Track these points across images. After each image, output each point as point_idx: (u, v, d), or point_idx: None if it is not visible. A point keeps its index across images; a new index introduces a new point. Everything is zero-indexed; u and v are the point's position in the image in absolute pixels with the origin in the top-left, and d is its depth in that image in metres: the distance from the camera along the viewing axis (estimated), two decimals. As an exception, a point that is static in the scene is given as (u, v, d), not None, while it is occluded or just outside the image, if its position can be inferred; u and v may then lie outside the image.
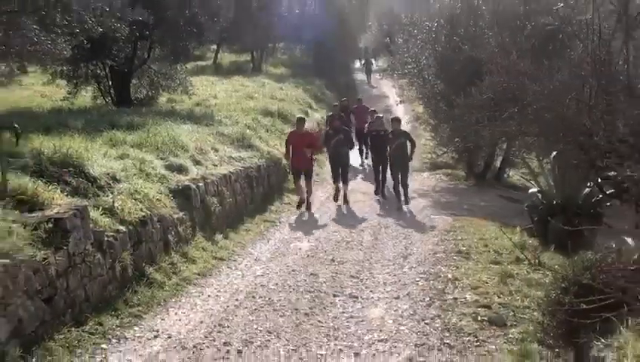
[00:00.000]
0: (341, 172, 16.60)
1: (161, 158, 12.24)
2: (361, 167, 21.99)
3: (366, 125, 20.37)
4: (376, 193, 17.70)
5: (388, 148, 16.38)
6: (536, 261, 8.78)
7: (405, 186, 16.21)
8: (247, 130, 18.27)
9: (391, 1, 54.15)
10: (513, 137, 18.21)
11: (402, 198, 16.13)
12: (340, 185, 16.53)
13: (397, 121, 16.86)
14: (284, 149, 16.32)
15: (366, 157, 22.17)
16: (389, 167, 16.90)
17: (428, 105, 24.90)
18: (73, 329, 7.16)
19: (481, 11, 19.63)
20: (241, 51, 42.08)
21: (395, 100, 33.93)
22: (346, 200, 16.52)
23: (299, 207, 15.66)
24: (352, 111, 23.36)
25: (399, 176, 16.18)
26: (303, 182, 15.70)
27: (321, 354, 6.94)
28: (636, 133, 8.68)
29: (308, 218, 15.11)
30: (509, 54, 14.38)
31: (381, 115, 19.16)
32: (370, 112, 22.25)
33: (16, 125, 8.34)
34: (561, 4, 13.07)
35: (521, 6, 15.20)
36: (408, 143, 16.41)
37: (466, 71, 18.97)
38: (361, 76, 46.57)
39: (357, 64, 49.06)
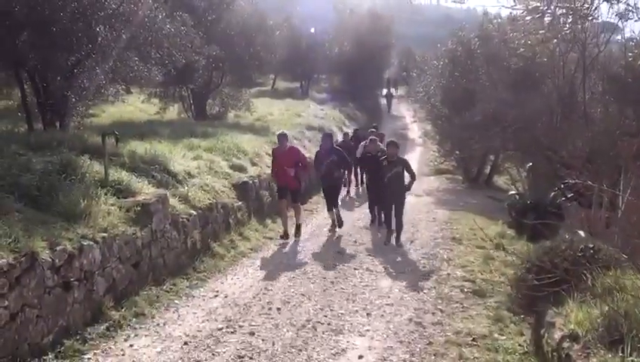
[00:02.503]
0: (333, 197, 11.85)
1: (226, 160, 12.36)
2: None
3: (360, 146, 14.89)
4: (372, 223, 12.48)
5: (383, 176, 10.75)
6: (502, 247, 8.75)
7: (399, 225, 10.79)
8: (294, 140, 18.20)
9: (409, 43, 53.98)
10: (498, 151, 18.10)
11: (394, 234, 10.79)
12: (334, 210, 11.65)
13: (393, 145, 11.07)
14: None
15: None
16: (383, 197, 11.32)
17: (434, 125, 24.99)
18: (153, 287, 7.35)
19: (475, 54, 19.48)
20: (292, 80, 42.13)
21: (410, 120, 33.86)
22: (338, 224, 11.72)
23: (282, 237, 10.82)
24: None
25: (392, 207, 10.75)
26: (286, 208, 11.14)
27: (342, 313, 6.93)
28: (589, 151, 8.62)
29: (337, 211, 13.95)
30: (496, 87, 14.31)
31: (375, 138, 13.08)
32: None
33: (116, 132, 8.50)
34: (523, 49, 12.95)
35: (506, 51, 15.04)
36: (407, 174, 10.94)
37: (463, 99, 18.89)
38: (385, 101, 46.24)
39: (384, 91, 48.52)
